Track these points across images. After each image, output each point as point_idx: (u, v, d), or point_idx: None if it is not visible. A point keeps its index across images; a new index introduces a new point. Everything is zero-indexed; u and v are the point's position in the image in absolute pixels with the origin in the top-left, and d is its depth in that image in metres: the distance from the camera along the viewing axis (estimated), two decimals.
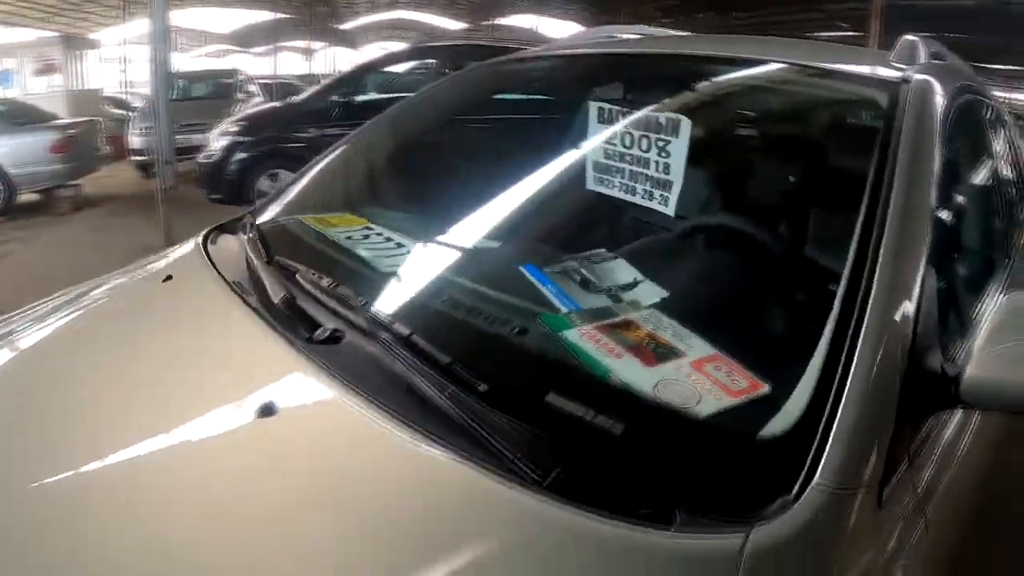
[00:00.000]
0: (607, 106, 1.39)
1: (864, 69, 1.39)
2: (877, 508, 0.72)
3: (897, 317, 0.82)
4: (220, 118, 8.68)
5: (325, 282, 1.13)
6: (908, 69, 1.28)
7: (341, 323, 1.02)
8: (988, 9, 13.91)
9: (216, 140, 5.95)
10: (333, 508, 0.74)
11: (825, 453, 0.70)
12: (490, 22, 29.38)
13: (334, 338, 0.99)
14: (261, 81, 12.46)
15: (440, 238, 1.35)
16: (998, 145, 1.81)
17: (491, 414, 0.79)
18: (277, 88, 12.28)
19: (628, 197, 1.33)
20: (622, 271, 1.15)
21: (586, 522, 0.67)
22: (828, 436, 0.71)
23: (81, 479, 0.84)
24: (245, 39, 31.83)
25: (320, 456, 0.82)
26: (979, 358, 0.83)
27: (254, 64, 27.29)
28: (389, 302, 1.14)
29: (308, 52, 26.66)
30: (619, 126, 1.35)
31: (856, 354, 0.77)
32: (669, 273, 1.15)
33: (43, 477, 0.84)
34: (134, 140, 8.84)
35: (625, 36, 2.00)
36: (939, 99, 1.20)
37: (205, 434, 0.90)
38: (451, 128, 2.06)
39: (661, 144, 1.27)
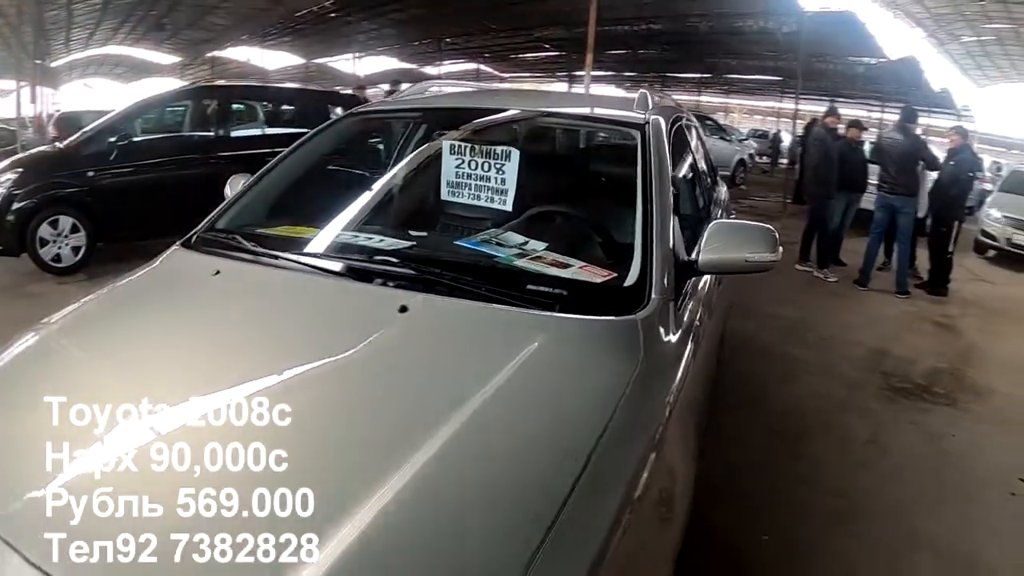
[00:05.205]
0: (456, 143, 1.96)
1: (625, 114, 2.21)
2: (675, 307, 1.64)
3: (668, 238, 1.69)
4: None
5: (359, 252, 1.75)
6: (645, 113, 2.14)
7: (394, 270, 1.62)
8: (668, 31, 18.63)
9: None
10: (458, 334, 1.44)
11: (653, 288, 1.56)
12: (210, 55, 28.01)
13: (405, 276, 1.59)
14: None
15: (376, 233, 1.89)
16: (694, 143, 3.02)
17: (502, 293, 1.50)
18: None
19: (475, 201, 1.94)
20: (513, 236, 1.81)
21: (582, 320, 1.45)
22: (652, 284, 1.57)
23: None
24: None
25: (440, 321, 1.47)
26: (703, 252, 1.70)
27: None
28: (407, 256, 1.71)
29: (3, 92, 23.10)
30: (466, 155, 1.92)
31: (653, 256, 1.63)
32: (537, 234, 1.82)
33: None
34: None
35: (452, 89, 2.80)
36: (663, 127, 2.10)
37: (370, 326, 1.43)
38: (341, 160, 2.64)
39: (499, 166, 1.87)
